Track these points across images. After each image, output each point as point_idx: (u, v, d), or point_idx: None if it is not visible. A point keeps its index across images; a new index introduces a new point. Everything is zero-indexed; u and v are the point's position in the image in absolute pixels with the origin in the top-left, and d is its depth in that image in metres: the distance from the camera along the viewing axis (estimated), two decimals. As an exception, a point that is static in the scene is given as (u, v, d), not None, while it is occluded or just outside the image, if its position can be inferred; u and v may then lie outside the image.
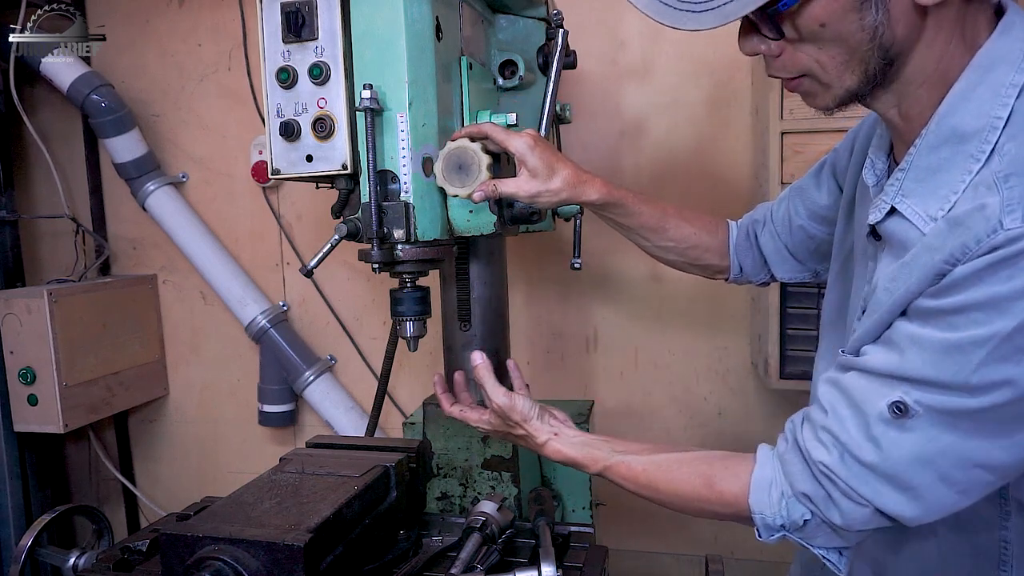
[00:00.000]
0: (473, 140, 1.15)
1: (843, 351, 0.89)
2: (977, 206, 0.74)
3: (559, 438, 1.10)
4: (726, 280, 1.39)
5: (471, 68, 1.28)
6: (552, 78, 1.29)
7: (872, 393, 0.80)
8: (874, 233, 0.90)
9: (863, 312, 0.89)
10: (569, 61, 1.47)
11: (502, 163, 1.23)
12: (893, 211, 0.85)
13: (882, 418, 0.78)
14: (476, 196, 1.13)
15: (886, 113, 0.89)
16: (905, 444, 0.77)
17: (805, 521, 0.86)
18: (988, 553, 0.88)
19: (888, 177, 0.91)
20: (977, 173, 0.76)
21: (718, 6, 0.78)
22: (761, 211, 1.35)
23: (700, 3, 0.80)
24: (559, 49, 1.29)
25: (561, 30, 1.31)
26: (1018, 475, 0.80)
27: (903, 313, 0.80)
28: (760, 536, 0.90)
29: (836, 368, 0.88)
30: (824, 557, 0.90)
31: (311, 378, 2.34)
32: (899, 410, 0.77)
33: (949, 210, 0.78)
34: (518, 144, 1.12)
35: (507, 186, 1.13)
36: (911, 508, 0.79)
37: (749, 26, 0.85)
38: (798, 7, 0.78)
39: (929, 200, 0.81)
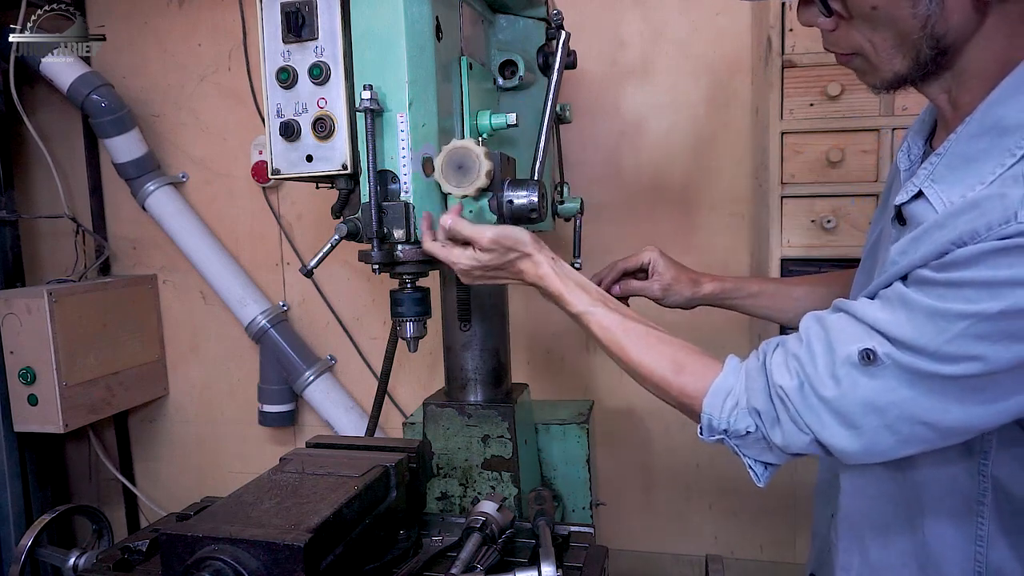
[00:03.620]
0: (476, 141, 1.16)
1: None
2: (997, 194, 0.75)
3: (557, 263, 1.11)
4: None
5: (471, 68, 1.28)
6: (553, 81, 1.29)
7: (848, 336, 0.82)
8: (899, 218, 0.91)
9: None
10: (569, 61, 1.47)
11: (503, 163, 1.23)
12: (920, 195, 0.87)
13: (849, 360, 0.81)
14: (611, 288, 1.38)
15: (936, 99, 0.90)
16: (863, 388, 0.80)
17: (747, 432, 0.90)
18: (968, 528, 0.89)
19: (922, 162, 0.92)
20: (1009, 168, 0.76)
21: None
22: None
23: None
24: (560, 52, 1.29)
25: (563, 32, 1.31)
26: (959, 440, 0.83)
27: (904, 278, 0.83)
28: (701, 434, 0.95)
29: (830, 310, 0.90)
30: (750, 467, 0.95)
31: (311, 378, 2.34)
32: (868, 357, 0.80)
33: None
34: (646, 256, 1.38)
35: (633, 286, 1.39)
36: (851, 445, 0.83)
37: None
38: None
39: (955, 188, 0.82)
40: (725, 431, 0.92)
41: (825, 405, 0.83)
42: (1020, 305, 0.71)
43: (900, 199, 0.90)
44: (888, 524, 0.97)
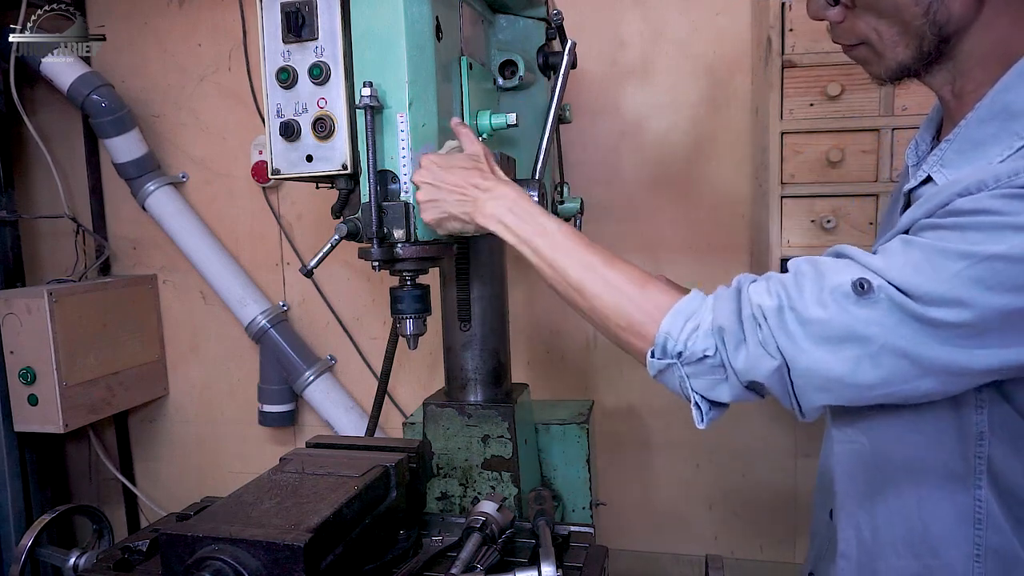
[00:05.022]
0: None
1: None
2: (1006, 159, 0.77)
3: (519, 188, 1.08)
4: None
5: (471, 68, 1.28)
6: (558, 86, 1.28)
7: (841, 270, 0.81)
8: (908, 207, 0.92)
9: None
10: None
11: (503, 163, 1.23)
12: (929, 179, 0.88)
13: (840, 289, 0.79)
14: None
15: (940, 91, 0.92)
16: (851, 316, 0.78)
17: (704, 356, 0.87)
18: (965, 511, 0.89)
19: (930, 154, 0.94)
20: (1017, 150, 0.78)
21: None
22: None
23: None
24: (566, 59, 1.28)
25: (570, 41, 1.30)
26: (940, 379, 0.80)
27: (906, 232, 0.83)
28: (652, 357, 0.90)
29: (826, 253, 0.88)
30: (696, 404, 0.91)
31: (311, 378, 2.34)
32: (862, 287, 0.78)
33: None
34: None
35: None
36: (829, 370, 0.80)
37: None
38: None
39: (964, 170, 0.83)
40: (679, 354, 0.88)
41: (804, 328, 0.81)
42: (1019, 252, 0.72)
43: (909, 185, 0.92)
44: (879, 511, 0.96)
